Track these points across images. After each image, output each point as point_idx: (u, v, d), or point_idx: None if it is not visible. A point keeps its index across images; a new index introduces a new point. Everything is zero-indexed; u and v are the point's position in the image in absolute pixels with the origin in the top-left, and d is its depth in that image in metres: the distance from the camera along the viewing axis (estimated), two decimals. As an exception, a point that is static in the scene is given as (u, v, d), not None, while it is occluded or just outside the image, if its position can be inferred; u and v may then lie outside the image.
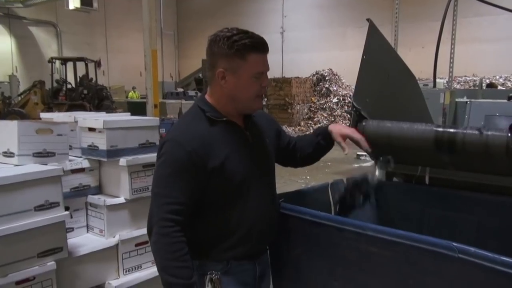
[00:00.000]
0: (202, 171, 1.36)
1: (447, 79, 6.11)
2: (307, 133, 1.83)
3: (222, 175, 1.39)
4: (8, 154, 2.36)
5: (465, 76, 13.87)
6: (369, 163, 8.06)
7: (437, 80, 4.91)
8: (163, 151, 1.41)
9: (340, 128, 1.65)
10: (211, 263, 1.46)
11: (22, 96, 13.00)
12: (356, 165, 8.48)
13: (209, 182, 1.39)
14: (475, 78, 13.40)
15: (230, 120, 1.45)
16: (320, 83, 16.11)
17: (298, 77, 15.61)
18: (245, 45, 1.36)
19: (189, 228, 1.40)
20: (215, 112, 1.44)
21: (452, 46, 5.77)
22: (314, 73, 16.37)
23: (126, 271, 2.54)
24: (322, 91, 15.90)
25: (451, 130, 1.64)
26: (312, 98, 15.87)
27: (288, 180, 6.64)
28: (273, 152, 1.61)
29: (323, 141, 1.67)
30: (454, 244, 1.18)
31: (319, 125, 14.81)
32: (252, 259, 1.52)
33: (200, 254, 1.46)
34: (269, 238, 1.59)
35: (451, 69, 5.83)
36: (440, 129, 1.67)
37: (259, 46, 1.40)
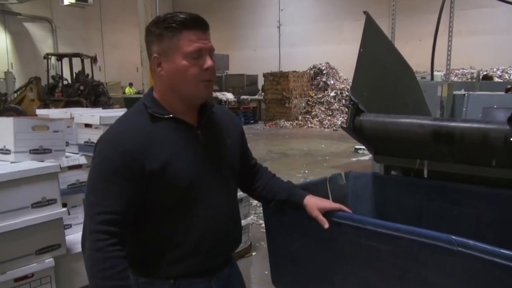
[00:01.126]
0: (139, 175, 1.18)
1: (444, 72, 6.09)
2: (279, 179, 1.56)
3: (163, 180, 1.20)
4: (4, 151, 2.35)
5: (463, 68, 13.87)
6: (367, 156, 8.07)
7: (435, 73, 4.89)
8: (95, 153, 1.24)
9: (315, 201, 1.43)
10: (156, 282, 1.28)
11: (18, 93, 12.96)
12: (354, 159, 8.49)
13: (148, 188, 1.20)
14: (472, 71, 13.40)
15: (177, 118, 1.26)
16: (318, 77, 16.10)
17: (295, 71, 15.58)
18: (174, 22, 1.19)
19: (132, 239, 1.23)
20: (159, 108, 1.25)
21: (450, 39, 5.75)
22: (311, 67, 16.35)
23: (124, 267, 2.54)
24: (320, 85, 15.89)
25: (449, 123, 1.64)
26: (310, 92, 15.86)
27: (286, 174, 6.64)
28: (236, 154, 1.41)
29: (289, 204, 1.48)
30: (453, 237, 1.18)
31: (317, 119, 14.80)
32: (206, 276, 1.32)
33: (144, 270, 1.29)
34: (227, 250, 1.41)
35: (448, 62, 5.81)
36: (438, 122, 1.66)
37: (192, 21, 1.20)
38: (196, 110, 1.31)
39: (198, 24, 1.21)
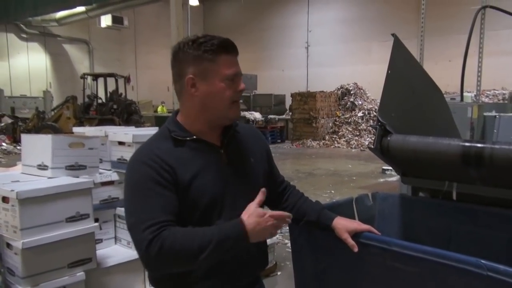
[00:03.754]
0: (174, 184, 1.21)
1: (474, 93, 5.95)
2: (307, 198, 1.57)
3: (187, 198, 1.23)
4: (42, 167, 2.45)
5: (494, 89, 13.50)
6: (394, 177, 7.92)
7: (465, 94, 4.80)
8: (125, 176, 1.27)
9: (345, 223, 1.43)
10: None
11: (56, 111, 13.49)
12: (381, 180, 8.34)
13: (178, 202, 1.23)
14: (504, 92, 13.03)
15: (200, 139, 1.29)
16: (345, 97, 16.04)
17: (322, 91, 15.60)
18: (213, 45, 1.23)
19: None
20: (183, 132, 1.29)
21: (480, 59, 5.63)
22: (339, 87, 16.33)
23: (152, 283, 2.58)
24: (347, 105, 15.82)
25: (479, 144, 1.61)
26: (337, 112, 15.79)
27: (312, 194, 6.60)
28: (261, 173, 1.42)
29: (318, 225, 1.48)
30: (483, 261, 1.15)
31: (344, 139, 14.68)
32: None
33: (172, 285, 1.29)
34: (252, 271, 1.41)
35: (479, 83, 5.66)
36: (468, 144, 1.64)
37: (228, 46, 1.26)
38: (219, 130, 1.34)
39: (234, 49, 1.28)
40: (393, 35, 1.95)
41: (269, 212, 1.16)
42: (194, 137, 1.29)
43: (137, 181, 1.22)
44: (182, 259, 1.14)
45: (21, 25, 16.33)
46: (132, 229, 1.18)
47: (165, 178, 1.21)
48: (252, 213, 1.15)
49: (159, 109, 17.91)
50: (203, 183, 1.25)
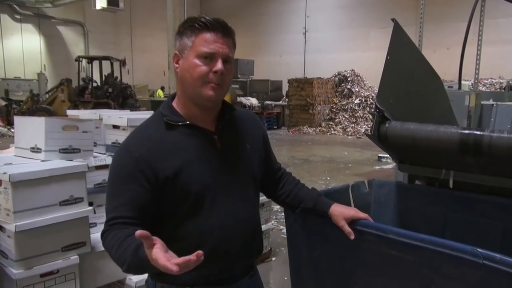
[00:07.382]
0: (153, 181, 1.19)
1: (472, 81, 5.93)
2: (304, 186, 1.53)
3: (176, 186, 1.20)
4: (35, 149, 2.43)
5: (491, 78, 13.52)
6: (390, 165, 7.95)
7: (462, 82, 4.78)
8: (113, 157, 1.29)
9: (342, 210, 1.42)
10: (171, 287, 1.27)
11: (50, 94, 13.39)
12: (377, 167, 8.37)
13: (162, 193, 1.21)
14: (501, 81, 13.05)
15: (193, 124, 1.26)
16: (342, 84, 15.99)
17: (320, 77, 15.54)
18: (195, 22, 1.21)
19: None
20: (175, 116, 1.26)
21: (478, 48, 5.59)
22: (336, 74, 16.27)
23: (146, 267, 2.58)
24: (344, 92, 15.78)
25: (477, 132, 1.60)
26: (334, 99, 15.76)
27: (308, 180, 6.61)
28: (256, 159, 1.39)
29: (315, 212, 1.47)
30: (479, 249, 1.15)
31: (340, 126, 14.68)
32: (223, 285, 1.31)
33: (162, 275, 1.18)
34: (245, 259, 1.37)
35: (477, 71, 5.64)
36: (466, 132, 1.63)
37: (212, 24, 1.20)
38: (214, 115, 1.30)
39: (218, 28, 1.21)
40: (393, 20, 1.92)
41: (174, 260, 1.02)
42: (187, 122, 1.25)
43: (117, 167, 1.24)
44: (115, 262, 1.17)
45: (15, 6, 16.06)
46: (105, 210, 1.25)
47: (144, 173, 1.19)
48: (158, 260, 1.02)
49: (158, 93, 17.78)
50: (193, 171, 1.22)
